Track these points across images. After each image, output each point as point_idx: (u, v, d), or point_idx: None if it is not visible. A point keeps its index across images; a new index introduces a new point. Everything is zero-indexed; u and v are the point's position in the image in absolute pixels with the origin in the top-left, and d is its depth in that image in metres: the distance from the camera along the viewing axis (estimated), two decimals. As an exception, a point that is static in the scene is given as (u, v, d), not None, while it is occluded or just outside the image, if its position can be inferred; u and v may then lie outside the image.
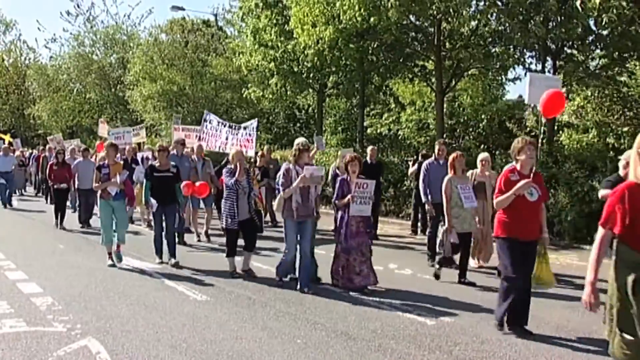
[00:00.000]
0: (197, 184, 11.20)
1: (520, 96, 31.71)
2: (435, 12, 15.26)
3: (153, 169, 9.35)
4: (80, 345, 5.40)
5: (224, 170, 8.56)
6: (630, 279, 3.69)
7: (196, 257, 9.98)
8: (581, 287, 7.73)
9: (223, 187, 11.29)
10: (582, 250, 11.25)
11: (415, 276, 8.84)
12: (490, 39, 16.48)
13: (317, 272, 8.13)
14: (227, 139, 13.45)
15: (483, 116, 22.22)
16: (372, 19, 14.87)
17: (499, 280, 7.87)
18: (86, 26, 35.57)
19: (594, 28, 15.13)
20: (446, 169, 9.26)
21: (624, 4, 12.25)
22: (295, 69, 19.28)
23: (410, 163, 14.42)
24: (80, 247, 10.98)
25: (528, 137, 6.26)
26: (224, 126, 13.70)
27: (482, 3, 15.40)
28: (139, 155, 14.28)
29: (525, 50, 16.55)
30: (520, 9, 14.54)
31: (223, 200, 8.47)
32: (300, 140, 8.17)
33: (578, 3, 11.94)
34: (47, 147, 20.29)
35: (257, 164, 13.09)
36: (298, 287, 7.62)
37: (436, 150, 9.92)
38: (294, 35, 17.42)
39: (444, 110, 19.07)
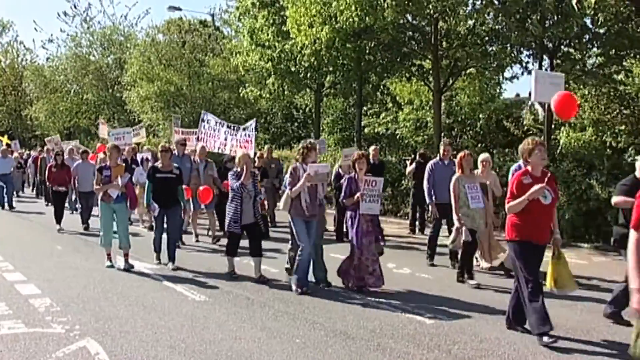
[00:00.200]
0: (200, 188, 10.99)
1: (518, 95, 31.77)
2: (432, 12, 15.26)
3: (155, 170, 9.23)
4: (79, 346, 5.40)
5: (230, 173, 8.40)
6: None
7: (194, 257, 9.97)
8: (580, 286, 7.77)
9: (229, 190, 11.32)
10: (580, 248, 11.29)
11: (414, 275, 8.85)
12: (487, 38, 16.48)
13: (326, 276, 7.96)
14: (225, 139, 13.42)
15: (480, 115, 22.22)
16: (368, 19, 14.87)
17: (505, 279, 7.97)
18: (83, 27, 35.56)
19: (590, 26, 15.16)
20: (451, 169, 9.20)
21: (620, 2, 12.27)
22: (293, 69, 19.27)
23: (408, 162, 14.42)
24: (78, 248, 10.96)
25: (537, 137, 6.14)
26: (222, 126, 13.68)
27: (478, 2, 15.41)
28: (139, 157, 14.19)
29: (522, 49, 16.57)
30: (517, 8, 14.54)
31: (228, 203, 8.36)
32: (308, 141, 8.16)
33: (574, 2, 11.95)
34: (45, 148, 20.22)
35: (256, 164, 13.03)
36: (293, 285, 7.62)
37: (441, 151, 9.85)
38: (291, 35, 17.42)
39: (442, 109, 19.08)
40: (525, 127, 21.01)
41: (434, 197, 9.40)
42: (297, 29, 16.53)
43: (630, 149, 13.26)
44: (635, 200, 3.72)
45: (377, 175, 8.31)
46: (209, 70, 26.65)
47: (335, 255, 8.63)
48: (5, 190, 17.46)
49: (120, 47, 34.42)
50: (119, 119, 33.38)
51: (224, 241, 11.26)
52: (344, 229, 10.86)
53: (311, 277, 7.80)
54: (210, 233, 11.67)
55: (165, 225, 9.27)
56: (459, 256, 8.33)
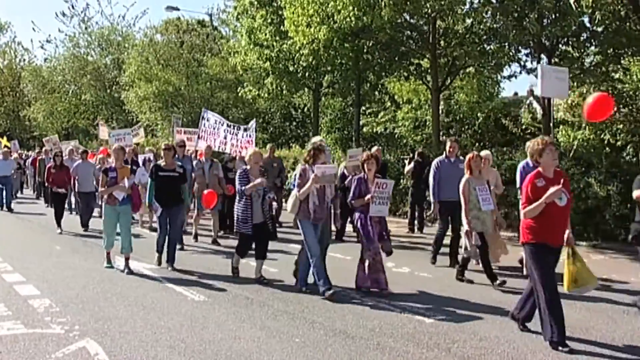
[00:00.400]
0: (205, 192, 10.85)
1: (516, 94, 31.80)
2: (429, 11, 15.28)
3: (158, 169, 9.03)
4: (79, 347, 5.40)
5: (238, 173, 8.14)
6: None
7: (194, 257, 9.97)
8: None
9: (231, 193, 11.24)
10: (578, 246, 11.24)
11: (413, 274, 8.85)
12: (485, 37, 16.51)
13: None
14: (225, 137, 13.41)
15: (479, 114, 22.25)
16: (365, 18, 14.87)
17: (503, 278, 7.95)
18: (81, 27, 35.56)
19: (588, 25, 15.19)
20: (457, 167, 9.15)
21: (618, 0, 12.29)
22: (291, 69, 19.28)
23: (407, 162, 14.42)
24: (77, 248, 10.95)
25: (546, 137, 5.93)
26: (222, 125, 13.68)
27: (476, 1, 15.44)
28: (140, 158, 14.10)
29: (520, 48, 16.60)
30: (515, 7, 14.57)
31: (236, 203, 8.16)
32: (315, 139, 7.98)
33: (572, 0, 11.96)
34: (44, 149, 20.17)
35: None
36: (297, 285, 7.59)
37: (447, 148, 9.63)
38: (289, 35, 17.43)
39: (440, 108, 19.10)
40: (524, 126, 21.03)
41: (437, 195, 9.26)
42: (294, 29, 16.53)
43: (628, 147, 13.28)
44: None
45: (381, 177, 8.13)
46: (207, 70, 26.67)
47: (334, 254, 8.62)
48: (4, 192, 17.39)
49: (118, 47, 34.43)
50: (117, 119, 33.39)
51: (224, 242, 11.33)
52: (350, 229, 10.83)
53: (311, 278, 7.64)
54: (213, 236, 11.47)
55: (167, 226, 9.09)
56: (480, 263, 8.08)
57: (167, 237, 9.05)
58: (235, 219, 8.17)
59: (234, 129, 13.39)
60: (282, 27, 18.28)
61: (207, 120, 13.82)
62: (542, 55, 16.19)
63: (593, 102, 8.75)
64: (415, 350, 5.40)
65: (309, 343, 5.57)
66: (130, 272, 8.62)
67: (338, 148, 23.41)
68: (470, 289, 7.78)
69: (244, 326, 6.11)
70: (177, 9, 29.21)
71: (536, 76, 17.29)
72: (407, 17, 17.04)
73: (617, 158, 12.24)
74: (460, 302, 7.10)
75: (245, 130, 13.21)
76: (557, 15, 14.94)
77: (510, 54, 16.47)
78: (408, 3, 14.74)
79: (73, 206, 15.55)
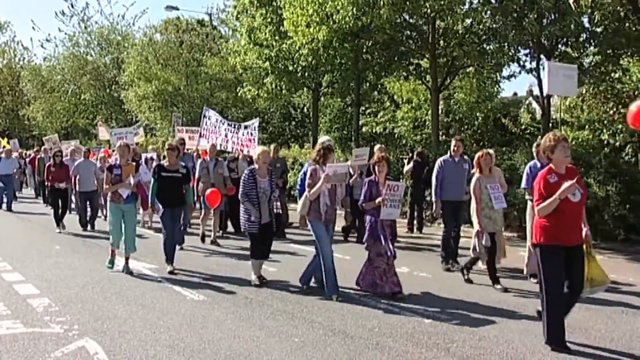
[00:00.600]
0: (208, 192, 10.78)
1: (515, 94, 31.85)
2: (429, 10, 15.28)
3: (161, 169, 8.86)
4: (78, 346, 5.40)
5: (245, 173, 7.95)
6: None
7: (193, 257, 9.97)
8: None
9: (233, 195, 11.20)
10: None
11: (412, 274, 8.85)
12: (484, 37, 16.51)
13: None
14: (226, 136, 13.39)
15: (478, 114, 22.26)
16: (365, 18, 14.87)
17: (503, 278, 7.94)
18: (80, 26, 35.54)
19: (587, 25, 15.20)
20: (462, 166, 9.12)
21: (617, 0, 12.30)
22: (290, 68, 19.28)
23: (406, 161, 14.42)
24: (76, 248, 10.95)
25: (557, 132, 5.82)
26: (223, 123, 13.66)
27: (476, 1, 15.44)
28: (143, 156, 14.02)
29: (519, 48, 16.60)
30: (514, 7, 14.57)
31: (243, 204, 7.94)
32: (324, 139, 7.89)
33: (571, 1, 11.97)
34: (43, 148, 20.14)
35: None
36: (301, 282, 7.53)
37: (452, 147, 9.38)
38: (289, 34, 17.42)
39: (440, 108, 19.10)
40: (523, 126, 21.05)
41: (439, 194, 9.09)
42: (294, 29, 16.53)
43: (627, 147, 13.29)
44: None
45: None
46: (207, 69, 26.66)
47: (337, 255, 8.51)
48: (5, 191, 17.36)
49: (117, 46, 34.42)
50: (116, 119, 33.38)
51: (224, 242, 11.32)
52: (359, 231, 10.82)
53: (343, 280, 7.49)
54: (212, 237, 11.38)
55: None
56: (485, 263, 7.97)
57: (174, 237, 8.88)
58: (242, 219, 7.97)
59: (234, 128, 13.38)
60: (281, 27, 18.28)
61: (209, 118, 13.81)
62: (542, 56, 16.20)
63: (638, 110, 8.63)
64: (414, 350, 5.41)
65: (308, 343, 5.58)
66: (130, 273, 8.57)
67: (337, 148, 23.40)
68: (469, 289, 7.79)
69: (243, 326, 6.11)
70: (177, 9, 29.22)
71: (535, 76, 17.38)
72: (407, 17, 17.05)
73: (616, 158, 12.23)
74: (459, 302, 7.11)
75: (245, 128, 13.19)
76: (556, 15, 14.95)
77: (510, 54, 16.47)
78: (407, 3, 14.75)
79: (73, 206, 15.52)
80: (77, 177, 13.19)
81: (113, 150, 15.24)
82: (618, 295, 7.42)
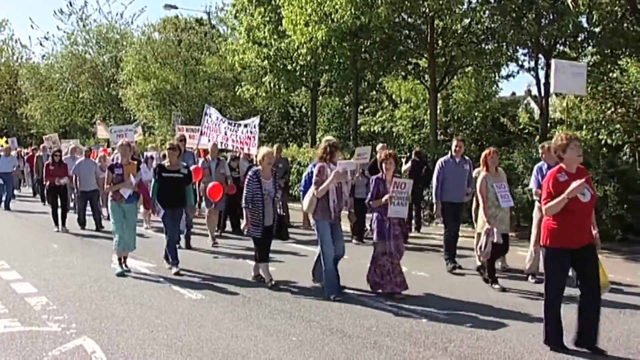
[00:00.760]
0: (210, 184, 10.71)
1: (514, 93, 31.91)
2: (427, 10, 15.29)
3: (162, 169, 8.69)
4: (76, 345, 5.40)
5: (249, 175, 7.82)
6: None
7: (191, 256, 9.94)
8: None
9: (234, 193, 11.15)
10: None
11: (410, 273, 8.81)
12: (483, 37, 16.53)
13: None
14: (226, 134, 13.36)
15: (476, 113, 22.26)
16: (363, 17, 14.87)
17: (502, 279, 7.94)
18: (79, 25, 35.49)
19: (585, 25, 15.21)
20: (462, 167, 9.03)
21: (615, 1, 12.32)
22: (289, 67, 19.28)
23: (404, 161, 14.41)
24: (74, 246, 10.94)
25: (569, 132, 5.79)
26: (223, 122, 13.64)
27: (474, 0, 15.46)
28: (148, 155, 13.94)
29: (517, 48, 16.61)
30: (513, 6, 14.58)
31: (250, 206, 7.77)
32: (329, 137, 7.78)
33: (569, 0, 11.98)
34: (42, 146, 20.09)
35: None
36: (317, 282, 7.41)
37: (453, 147, 9.20)
38: (287, 33, 17.42)
39: (438, 107, 19.11)
40: (521, 126, 21.04)
41: (440, 196, 8.97)
42: (292, 27, 16.53)
43: (625, 147, 13.29)
44: None
45: None
46: (205, 68, 26.64)
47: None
48: (5, 188, 17.30)
49: (116, 45, 34.36)
50: (114, 117, 33.35)
51: (222, 241, 11.29)
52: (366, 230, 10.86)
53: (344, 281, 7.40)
54: (216, 233, 11.33)
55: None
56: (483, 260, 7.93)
57: (177, 238, 8.79)
58: (247, 221, 7.77)
59: (234, 126, 13.35)
60: (280, 26, 18.29)
61: (210, 116, 13.78)
62: (540, 55, 16.21)
63: None
64: (412, 349, 5.41)
65: (305, 342, 5.58)
66: (127, 271, 8.55)
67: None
68: (467, 289, 7.80)
69: (241, 324, 6.12)
70: (175, 7, 29.18)
71: (533, 76, 17.40)
72: (405, 17, 17.06)
73: (614, 158, 12.23)
74: (457, 302, 7.11)
75: (245, 126, 13.16)
76: (555, 15, 14.96)
77: (508, 53, 16.49)
78: (406, 2, 14.77)
79: (72, 204, 15.47)
80: (78, 176, 13.09)
81: (112, 149, 15.22)
82: (616, 295, 7.42)
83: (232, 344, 5.51)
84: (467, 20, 16.39)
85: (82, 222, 13.11)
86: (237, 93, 23.40)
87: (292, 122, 31.50)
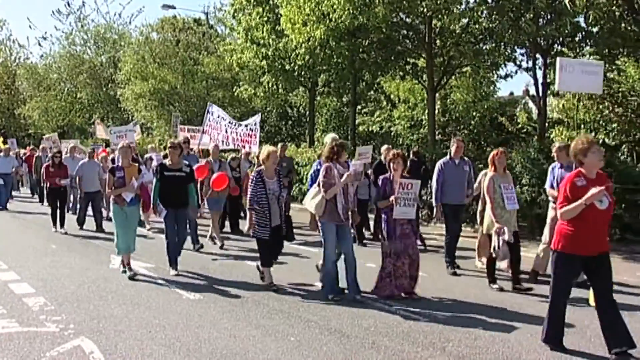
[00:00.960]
0: (214, 175, 10.54)
1: (512, 93, 31.92)
2: (425, 10, 15.30)
3: (163, 168, 8.52)
4: (74, 345, 5.39)
5: (254, 173, 7.73)
6: None
7: (189, 256, 9.91)
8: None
9: (236, 194, 11.05)
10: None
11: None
12: (480, 36, 16.54)
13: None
14: (227, 132, 13.34)
15: (475, 113, 22.30)
16: (361, 17, 14.88)
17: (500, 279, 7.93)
18: (77, 25, 35.47)
19: (583, 25, 15.22)
20: (462, 169, 8.92)
21: (612, 0, 12.35)
22: (287, 67, 19.28)
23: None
24: (72, 247, 10.93)
25: (589, 135, 5.61)
26: (224, 119, 13.62)
27: (472, 0, 15.47)
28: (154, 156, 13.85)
29: (515, 48, 16.63)
30: (511, 6, 14.60)
31: (248, 207, 7.70)
32: (334, 136, 7.67)
33: (566, 0, 12.00)
34: (42, 147, 20.05)
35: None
36: (349, 296, 7.06)
37: (453, 148, 9.09)
38: (286, 33, 17.43)
39: (436, 107, 19.14)
40: (519, 125, 21.09)
41: (440, 198, 8.83)
42: (291, 26, 16.54)
43: (623, 147, 13.32)
44: None
45: None
46: (203, 68, 26.64)
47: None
48: (4, 189, 17.25)
49: (114, 45, 34.36)
50: (112, 118, 33.33)
51: (227, 244, 11.25)
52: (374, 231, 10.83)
53: (343, 282, 7.23)
54: (209, 234, 11.27)
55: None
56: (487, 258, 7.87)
57: (177, 239, 8.63)
58: (252, 222, 7.61)
59: (234, 125, 13.33)
60: (278, 25, 18.29)
61: (212, 114, 13.77)
62: (538, 55, 16.23)
63: None
64: (410, 349, 5.41)
65: (304, 342, 5.58)
66: (134, 274, 8.34)
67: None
68: (465, 289, 7.80)
69: (239, 325, 6.11)
70: (173, 7, 29.19)
71: (531, 75, 17.43)
72: (403, 17, 17.07)
73: (612, 158, 12.26)
74: (455, 301, 7.12)
75: (246, 125, 13.14)
76: (553, 15, 14.98)
77: (506, 53, 16.51)
78: (404, 2, 14.77)
79: (71, 205, 15.45)
80: (81, 177, 13.01)
81: (112, 150, 15.18)
82: (614, 295, 7.42)
83: (231, 344, 5.51)
84: (465, 20, 16.39)
85: (81, 222, 13.08)
86: (235, 93, 23.41)
87: (290, 122, 31.51)
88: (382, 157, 11.37)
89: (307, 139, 23.33)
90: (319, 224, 7.20)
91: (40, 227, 13.43)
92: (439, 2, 14.28)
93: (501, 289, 7.63)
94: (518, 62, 17.66)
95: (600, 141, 13.16)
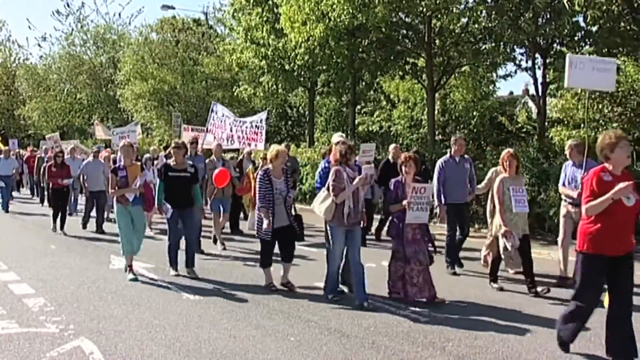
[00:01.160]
0: (216, 171, 10.38)
1: (512, 93, 31.94)
2: (425, 9, 15.30)
3: (168, 169, 8.40)
4: (73, 346, 5.39)
5: (260, 173, 7.61)
6: None
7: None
8: (573, 284, 7.80)
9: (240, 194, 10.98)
10: (573, 245, 11.30)
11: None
12: (480, 36, 16.56)
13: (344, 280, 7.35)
14: (231, 130, 13.27)
15: (474, 113, 22.32)
16: (360, 16, 14.89)
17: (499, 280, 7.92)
18: (76, 26, 35.49)
19: (582, 24, 15.24)
20: (462, 167, 8.80)
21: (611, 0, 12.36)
22: (287, 67, 19.30)
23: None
24: (72, 247, 10.93)
25: (617, 130, 5.18)
26: (229, 118, 13.56)
27: (471, 0, 15.48)
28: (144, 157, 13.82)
29: (515, 47, 16.64)
30: (510, 6, 14.61)
31: (257, 207, 7.61)
32: (342, 136, 7.50)
33: (565, 0, 12.00)
34: (44, 147, 20.01)
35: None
36: (356, 302, 6.81)
37: (454, 146, 8.91)
38: (285, 32, 17.44)
39: (436, 107, 19.15)
40: (519, 125, 21.10)
41: (443, 198, 8.67)
42: (290, 25, 16.54)
43: (622, 146, 13.34)
44: None
45: (398, 175, 7.41)
46: (203, 69, 26.64)
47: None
48: (5, 190, 17.23)
49: (113, 45, 34.38)
50: (112, 118, 33.34)
51: (226, 245, 11.23)
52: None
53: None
54: (214, 234, 11.13)
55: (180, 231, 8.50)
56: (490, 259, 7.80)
57: (179, 241, 8.54)
58: (256, 224, 7.61)
59: (239, 122, 13.27)
60: (277, 24, 18.31)
61: (216, 113, 13.70)
62: (537, 55, 16.24)
63: None
64: (410, 349, 5.41)
65: (304, 342, 5.58)
66: (135, 278, 8.21)
67: (328, 145, 23.48)
68: (465, 289, 7.80)
69: (239, 325, 6.11)
70: (173, 8, 29.22)
71: (531, 75, 17.44)
72: (402, 16, 17.08)
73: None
74: (455, 301, 7.11)
75: (251, 123, 13.09)
76: (552, 14, 14.99)
77: (505, 53, 16.52)
78: (403, 2, 14.77)
79: (77, 207, 15.42)
80: (86, 176, 12.98)
81: (114, 151, 15.16)
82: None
83: (231, 344, 5.51)
84: (464, 20, 16.42)
85: (85, 223, 12.99)
86: (235, 93, 23.42)
87: (289, 122, 31.52)
88: (390, 157, 11.34)
89: (307, 139, 23.34)
90: (328, 228, 7.05)
91: (40, 227, 13.43)
92: (438, 1, 14.29)
93: (501, 289, 7.63)
94: (517, 62, 17.69)
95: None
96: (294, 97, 27.57)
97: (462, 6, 15.40)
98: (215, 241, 10.98)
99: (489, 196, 8.73)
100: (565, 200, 8.09)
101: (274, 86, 20.77)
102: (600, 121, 13.32)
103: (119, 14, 52.75)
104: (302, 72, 19.59)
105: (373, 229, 11.49)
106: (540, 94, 17.32)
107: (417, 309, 6.70)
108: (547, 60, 16.67)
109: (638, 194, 4.86)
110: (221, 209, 10.85)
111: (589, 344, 5.57)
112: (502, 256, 7.58)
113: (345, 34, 16.71)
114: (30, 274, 8.40)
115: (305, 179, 17.63)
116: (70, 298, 7.09)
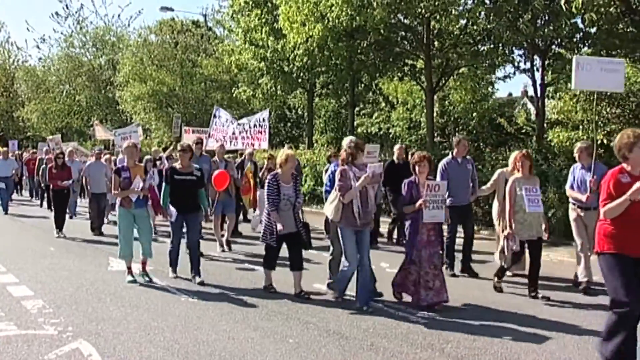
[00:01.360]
0: (216, 172, 10.25)
1: (510, 94, 31.98)
2: (423, 11, 15.32)
3: (174, 172, 8.23)
4: (72, 348, 5.38)
5: (269, 177, 7.42)
6: None
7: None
8: (573, 284, 7.81)
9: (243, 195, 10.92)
10: (571, 247, 11.30)
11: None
12: (479, 38, 16.57)
13: (375, 286, 7.21)
14: (234, 133, 13.26)
15: (473, 114, 22.34)
16: (359, 18, 14.90)
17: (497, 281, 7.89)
18: (75, 27, 35.49)
19: (581, 26, 15.26)
20: (465, 167, 8.72)
21: (609, 1, 12.36)
22: (286, 69, 19.32)
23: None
24: (71, 249, 10.92)
25: (637, 129, 4.90)
26: (232, 123, 13.54)
27: (470, 1, 15.50)
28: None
29: (513, 49, 16.66)
30: (509, 8, 14.62)
31: (265, 212, 7.48)
32: (352, 138, 7.38)
33: (562, 2, 12.02)
34: (44, 149, 19.97)
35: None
36: (357, 304, 6.80)
37: (456, 148, 8.84)
38: (284, 32, 17.46)
39: (435, 108, 19.17)
40: (518, 126, 21.13)
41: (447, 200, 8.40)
42: (289, 25, 16.56)
43: (621, 147, 13.36)
44: None
45: (406, 176, 7.27)
46: (202, 70, 26.66)
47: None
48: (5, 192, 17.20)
49: (112, 47, 34.39)
50: (111, 120, 33.33)
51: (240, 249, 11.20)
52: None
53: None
54: (225, 237, 11.00)
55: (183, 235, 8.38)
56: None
57: (180, 246, 8.45)
58: (262, 227, 7.51)
59: (242, 126, 13.26)
60: (276, 26, 18.32)
61: (219, 118, 13.69)
62: (536, 56, 16.26)
63: None
64: (409, 351, 5.41)
65: (302, 343, 5.58)
66: (150, 280, 8.16)
67: (332, 148, 23.45)
68: (464, 291, 7.79)
69: (238, 327, 6.11)
70: (172, 10, 29.26)
71: (529, 76, 17.47)
72: (401, 18, 17.10)
73: (610, 159, 12.28)
74: (454, 303, 7.10)
75: (254, 124, 13.08)
76: (550, 16, 15.01)
77: (504, 54, 16.54)
78: (402, 3, 14.78)
79: (77, 209, 15.39)
80: (88, 178, 12.91)
81: (116, 152, 15.15)
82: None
83: (229, 346, 5.50)
84: (463, 22, 16.44)
85: (98, 229, 12.69)
86: (234, 95, 23.43)
87: (289, 124, 31.53)
88: (395, 157, 11.30)
89: (306, 140, 23.35)
90: (338, 230, 6.96)
91: (39, 229, 13.42)
92: (437, 3, 14.30)
93: (501, 290, 7.62)
94: (516, 63, 17.72)
95: (599, 142, 13.19)
96: (293, 99, 27.57)
97: (461, 8, 15.42)
98: (224, 244, 10.79)
99: (495, 197, 8.70)
100: (574, 204, 7.87)
101: (273, 88, 20.78)
102: (599, 123, 13.35)
103: (118, 16, 52.77)
104: (301, 74, 19.61)
105: (381, 230, 11.50)
106: (539, 95, 17.35)
107: (416, 311, 6.69)
108: (546, 62, 16.69)
109: None
110: (223, 210, 10.79)
111: (587, 344, 5.57)
112: (498, 257, 7.51)
113: (344, 36, 16.73)
114: (29, 275, 8.39)
115: (304, 180, 17.64)
116: (68, 300, 7.08)
